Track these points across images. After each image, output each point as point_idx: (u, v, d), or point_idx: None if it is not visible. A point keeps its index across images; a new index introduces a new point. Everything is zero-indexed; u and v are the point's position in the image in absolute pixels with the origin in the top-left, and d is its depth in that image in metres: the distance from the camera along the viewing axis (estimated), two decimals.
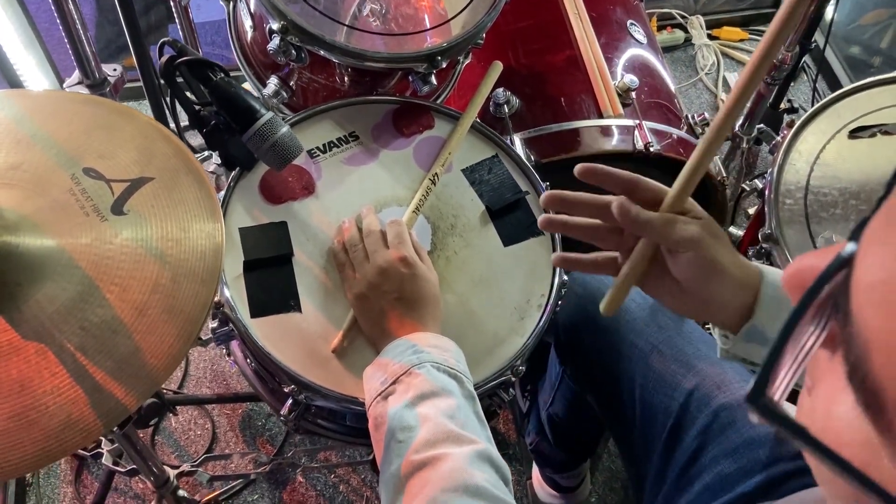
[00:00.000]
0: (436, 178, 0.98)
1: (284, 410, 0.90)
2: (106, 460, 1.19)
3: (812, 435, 0.28)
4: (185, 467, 1.29)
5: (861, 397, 0.29)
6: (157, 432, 1.51)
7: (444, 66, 1.02)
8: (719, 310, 0.67)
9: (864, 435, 0.29)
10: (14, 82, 1.50)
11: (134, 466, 1.12)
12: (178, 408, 1.52)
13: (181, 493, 1.21)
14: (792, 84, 1.92)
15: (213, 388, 1.57)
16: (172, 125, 1.07)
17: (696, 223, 0.65)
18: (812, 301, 0.30)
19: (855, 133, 1.14)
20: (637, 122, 1.21)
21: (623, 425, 0.95)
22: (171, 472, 1.17)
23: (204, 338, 0.94)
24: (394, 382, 0.73)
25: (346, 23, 1.02)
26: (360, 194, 0.97)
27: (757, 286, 0.66)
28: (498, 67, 1.12)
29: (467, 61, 1.17)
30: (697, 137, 1.30)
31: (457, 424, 0.69)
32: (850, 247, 0.30)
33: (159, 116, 1.34)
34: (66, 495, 1.43)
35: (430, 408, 0.70)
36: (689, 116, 1.34)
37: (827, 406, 0.31)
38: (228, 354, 1.02)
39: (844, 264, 0.30)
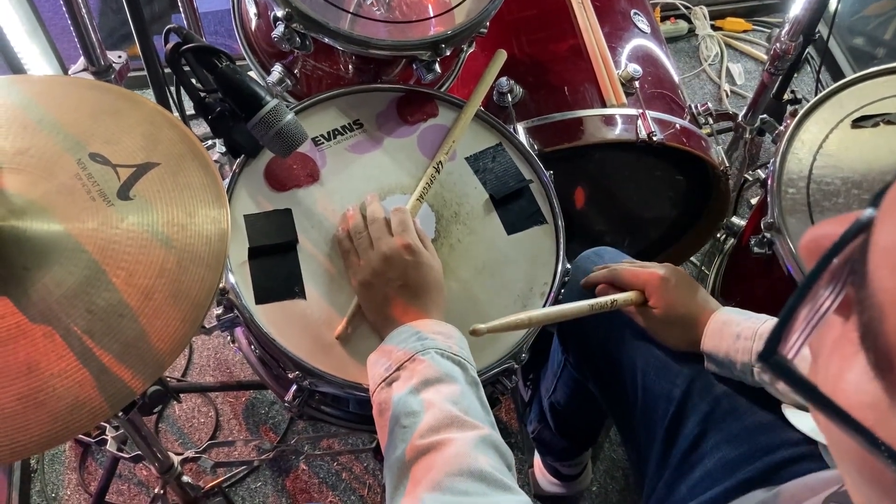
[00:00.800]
0: (440, 166, 0.98)
1: (289, 397, 0.91)
2: (110, 447, 1.19)
3: (821, 392, 0.29)
4: (190, 454, 1.30)
5: (872, 358, 0.29)
6: (161, 420, 1.52)
7: (448, 54, 1.02)
8: (683, 341, 0.89)
9: (873, 397, 0.29)
10: (18, 71, 1.51)
11: (138, 453, 1.13)
12: (181, 396, 1.53)
13: (185, 479, 1.21)
14: (795, 75, 1.91)
15: (217, 376, 1.58)
16: (176, 113, 1.07)
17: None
18: (830, 261, 0.30)
19: (858, 123, 1.14)
20: (640, 111, 1.21)
21: (625, 411, 0.96)
22: (176, 459, 1.17)
23: (207, 326, 0.95)
24: (398, 369, 0.74)
25: (351, 10, 1.02)
26: (365, 182, 0.97)
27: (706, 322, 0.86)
28: (502, 56, 1.12)
29: (471, 50, 1.17)
30: (700, 127, 1.30)
31: (461, 410, 0.69)
32: (869, 212, 0.31)
33: (163, 105, 1.34)
34: (70, 481, 1.44)
35: (435, 394, 0.71)
36: (693, 106, 1.33)
37: (838, 371, 0.31)
38: (233, 341, 1.03)
39: (863, 229, 0.31)
